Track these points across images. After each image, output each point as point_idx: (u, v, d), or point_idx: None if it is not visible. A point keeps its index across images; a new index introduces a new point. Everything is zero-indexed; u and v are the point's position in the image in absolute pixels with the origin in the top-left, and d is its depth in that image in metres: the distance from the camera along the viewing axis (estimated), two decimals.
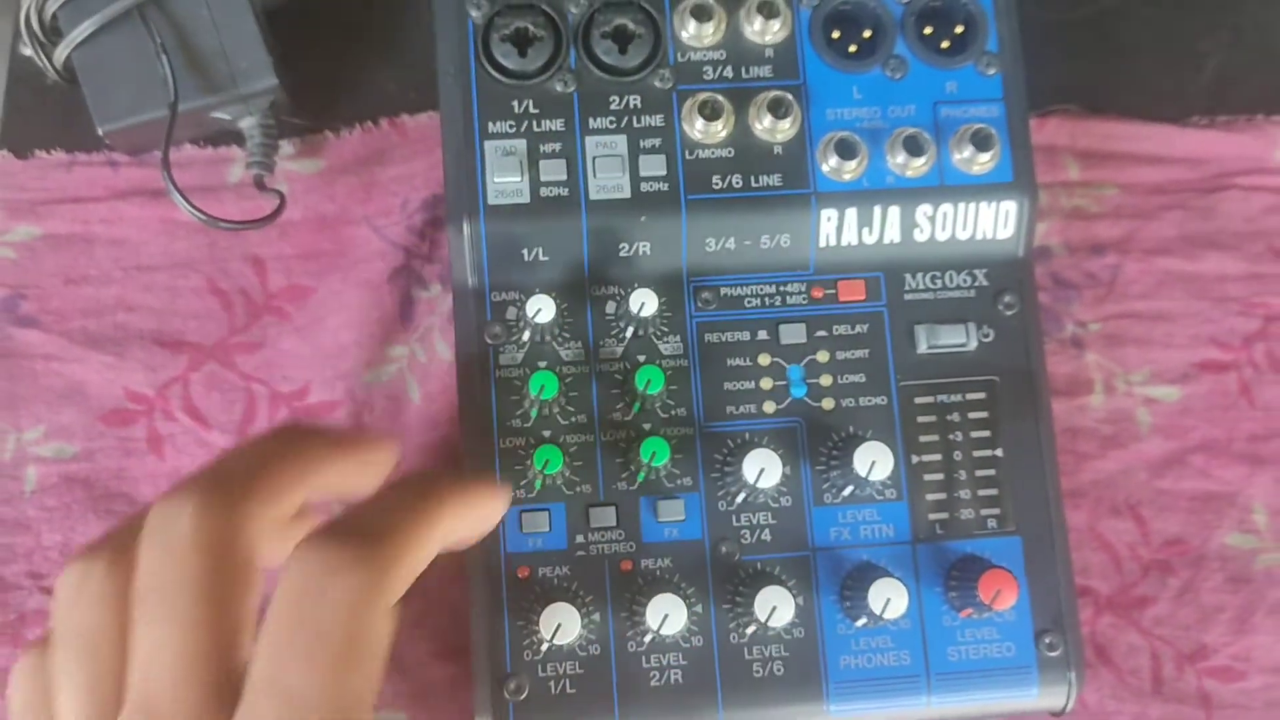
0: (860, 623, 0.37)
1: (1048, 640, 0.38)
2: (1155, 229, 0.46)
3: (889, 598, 0.36)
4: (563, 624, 0.35)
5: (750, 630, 0.37)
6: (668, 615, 0.35)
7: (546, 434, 0.38)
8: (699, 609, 0.37)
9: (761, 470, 0.36)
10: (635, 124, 0.39)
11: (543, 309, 0.37)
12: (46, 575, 0.41)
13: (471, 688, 0.37)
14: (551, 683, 0.37)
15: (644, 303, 0.37)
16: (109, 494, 0.42)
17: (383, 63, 0.46)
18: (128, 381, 0.43)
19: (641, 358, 0.38)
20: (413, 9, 0.45)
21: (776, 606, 0.35)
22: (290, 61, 0.42)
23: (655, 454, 0.36)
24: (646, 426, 0.38)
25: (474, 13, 0.39)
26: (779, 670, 0.37)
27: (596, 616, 0.37)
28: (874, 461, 0.36)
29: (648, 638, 0.37)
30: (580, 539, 0.38)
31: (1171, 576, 0.43)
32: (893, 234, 0.40)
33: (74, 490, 0.42)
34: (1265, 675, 0.42)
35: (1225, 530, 0.44)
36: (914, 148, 0.39)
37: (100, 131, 0.41)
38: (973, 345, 0.40)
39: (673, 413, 0.39)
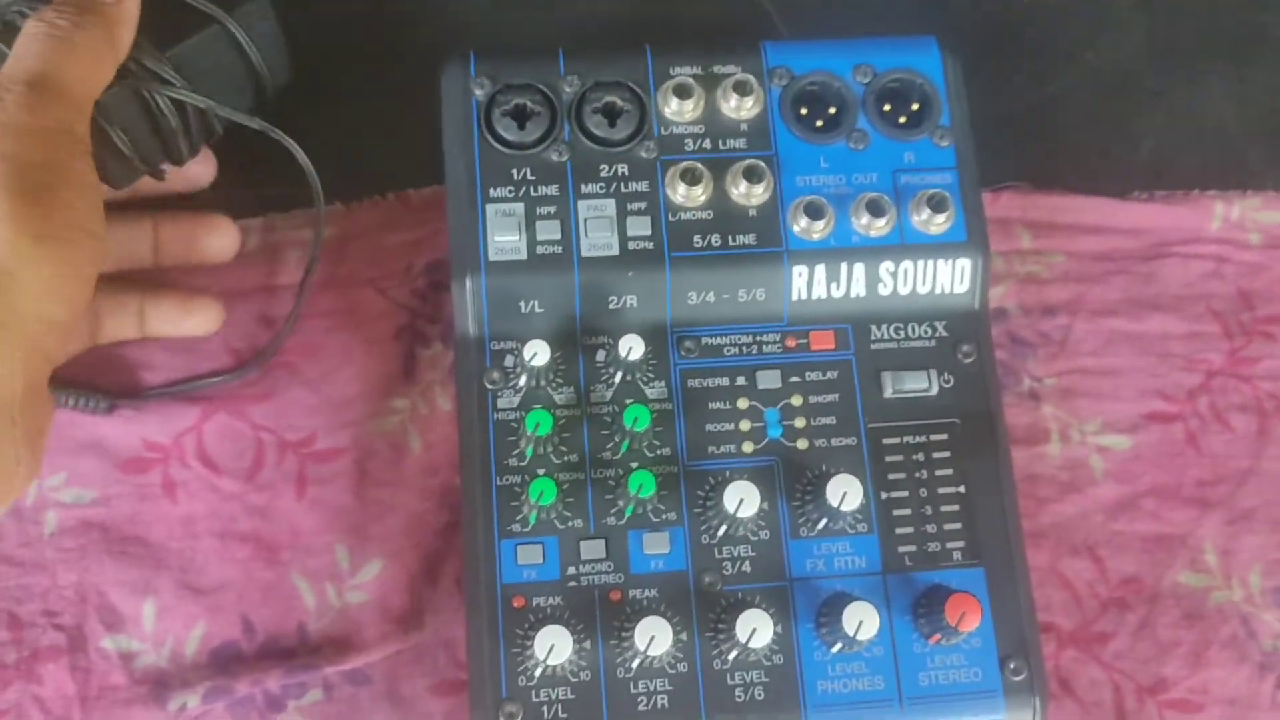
0: (836, 648, 0.40)
1: (1012, 665, 0.40)
2: (1101, 292, 0.50)
3: (861, 620, 0.38)
4: (555, 645, 0.37)
5: (732, 655, 0.39)
6: (654, 637, 0.38)
7: (541, 471, 0.41)
8: (684, 636, 0.40)
9: (741, 500, 0.39)
10: (623, 189, 0.43)
11: (538, 353, 0.40)
12: (60, 613, 0.43)
13: (469, 716, 0.39)
14: (545, 708, 0.39)
15: (631, 347, 0.40)
16: (124, 537, 0.44)
17: (390, 143, 0.50)
18: (145, 432, 0.45)
19: (629, 401, 0.41)
20: (416, 96, 0.49)
21: (756, 628, 0.38)
22: (306, 141, 0.46)
23: (642, 486, 0.39)
24: (634, 465, 0.41)
25: (478, 91, 0.43)
26: (760, 695, 0.39)
27: (587, 644, 0.39)
28: (845, 493, 0.39)
29: (635, 662, 0.39)
30: (572, 570, 0.40)
31: (1129, 613, 0.46)
32: (859, 288, 0.43)
33: (90, 533, 0.44)
34: (1221, 707, 0.45)
35: (1178, 569, 0.46)
36: (876, 210, 0.43)
37: None
38: (934, 390, 0.43)
39: (658, 452, 0.41)
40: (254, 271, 0.47)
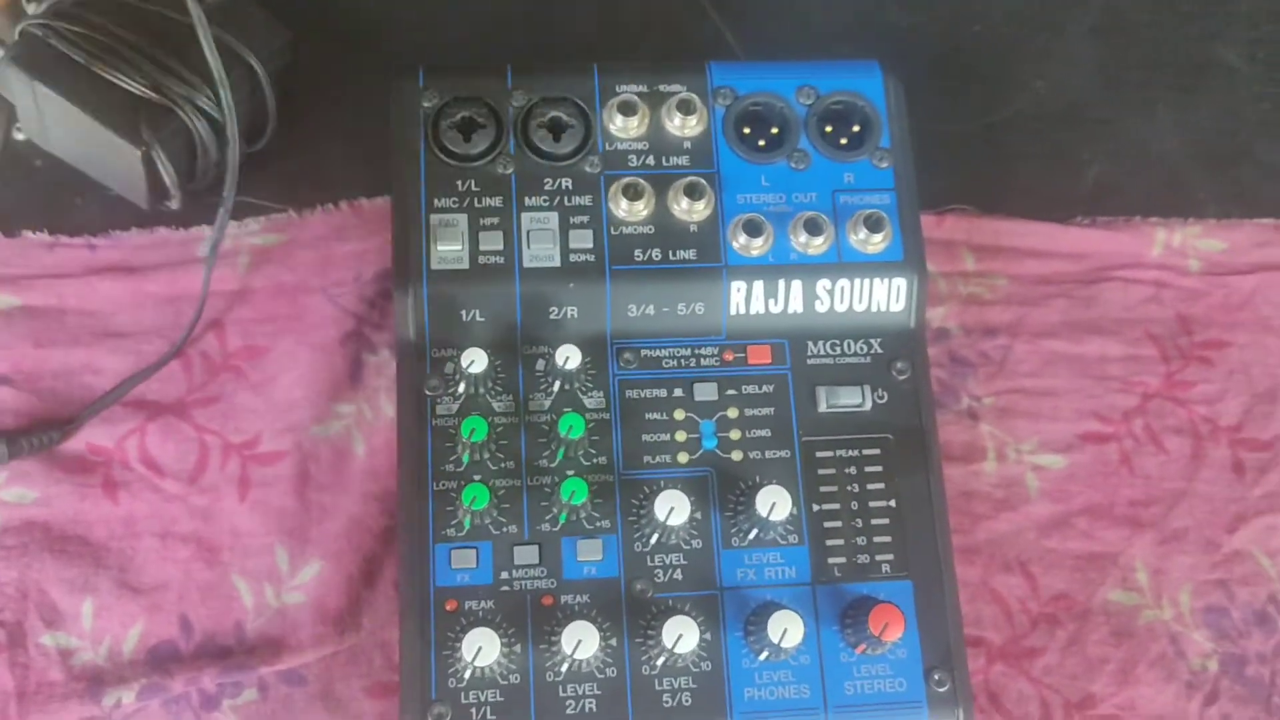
0: (763, 656, 0.40)
1: (936, 677, 0.41)
2: (1042, 315, 0.51)
3: (786, 628, 0.39)
4: (483, 647, 0.38)
5: (660, 661, 0.40)
6: (581, 641, 0.38)
7: (477, 477, 0.41)
8: (614, 642, 0.40)
9: (671, 509, 0.40)
10: (566, 203, 0.44)
11: (476, 360, 0.40)
12: (1, 609, 0.43)
13: (399, 716, 0.39)
14: (474, 710, 0.39)
15: (568, 356, 0.41)
16: (65, 536, 0.44)
17: (345, 152, 0.51)
18: (89, 435, 0.46)
19: (567, 410, 0.42)
20: (373, 107, 0.50)
21: (682, 634, 0.38)
22: (263, 149, 0.47)
23: (574, 493, 0.40)
24: (570, 473, 0.42)
25: (426, 103, 0.44)
26: (687, 700, 0.40)
27: (518, 648, 0.40)
28: (774, 503, 0.40)
29: (565, 667, 0.40)
30: (505, 575, 0.41)
31: (1059, 629, 0.46)
32: (796, 305, 0.44)
33: (32, 532, 0.44)
34: None
35: (1109, 587, 0.47)
36: (814, 229, 0.44)
37: None
38: (868, 406, 0.44)
39: (594, 461, 0.42)
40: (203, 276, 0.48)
